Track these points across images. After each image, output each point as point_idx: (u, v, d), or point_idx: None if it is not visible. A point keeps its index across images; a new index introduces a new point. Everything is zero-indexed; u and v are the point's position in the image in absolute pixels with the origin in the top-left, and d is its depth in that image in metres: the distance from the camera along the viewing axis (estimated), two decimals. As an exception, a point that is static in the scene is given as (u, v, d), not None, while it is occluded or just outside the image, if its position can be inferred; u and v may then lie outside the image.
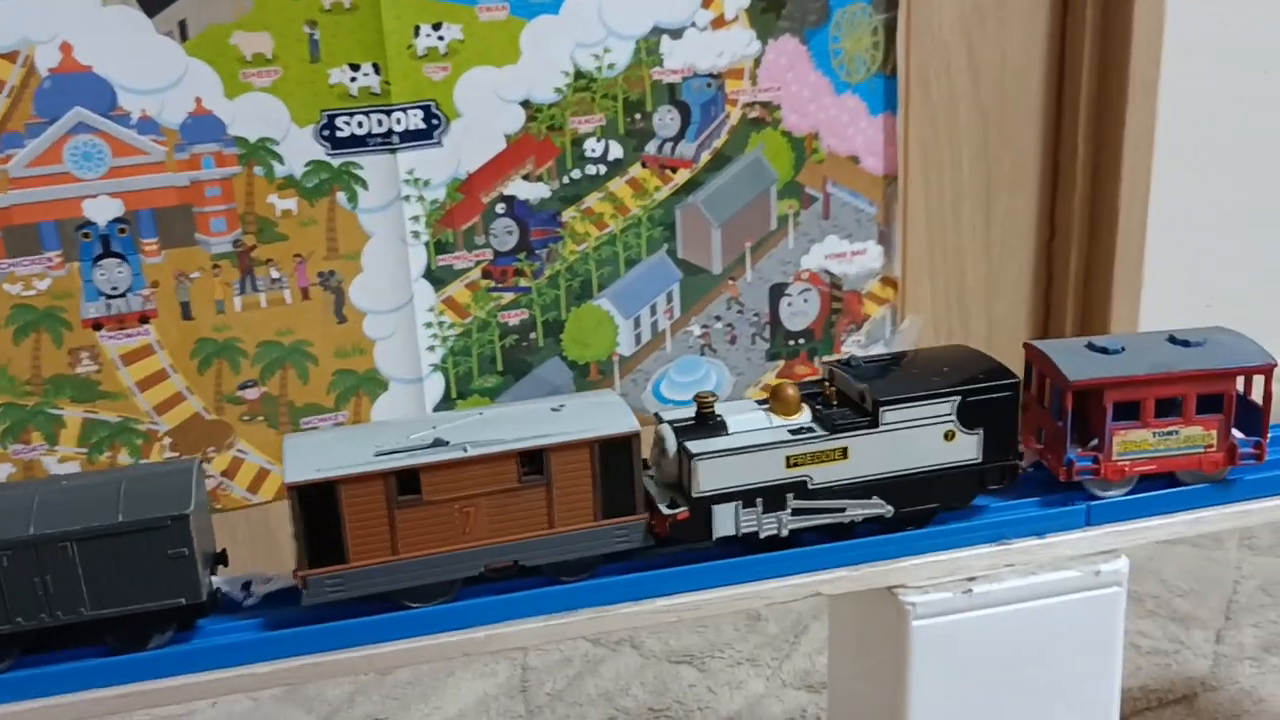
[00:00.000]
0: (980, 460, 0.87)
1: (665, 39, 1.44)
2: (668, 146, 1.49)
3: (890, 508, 0.86)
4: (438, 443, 0.78)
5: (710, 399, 0.85)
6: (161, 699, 0.78)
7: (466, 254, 1.43)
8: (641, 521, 0.82)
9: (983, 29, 1.62)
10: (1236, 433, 0.91)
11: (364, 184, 1.36)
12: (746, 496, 0.83)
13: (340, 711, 1.30)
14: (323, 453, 0.77)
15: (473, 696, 1.32)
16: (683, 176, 1.51)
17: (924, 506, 0.87)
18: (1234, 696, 1.26)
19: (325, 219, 1.36)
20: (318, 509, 0.76)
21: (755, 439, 0.83)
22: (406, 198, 1.38)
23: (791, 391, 0.86)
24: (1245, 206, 1.85)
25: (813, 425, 0.85)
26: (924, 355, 0.93)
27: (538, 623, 0.81)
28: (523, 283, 1.47)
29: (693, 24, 1.44)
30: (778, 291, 1.60)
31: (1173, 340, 0.92)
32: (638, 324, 1.55)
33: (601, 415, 0.81)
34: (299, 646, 0.79)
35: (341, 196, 1.36)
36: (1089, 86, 1.66)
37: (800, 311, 1.62)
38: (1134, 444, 0.89)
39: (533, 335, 1.49)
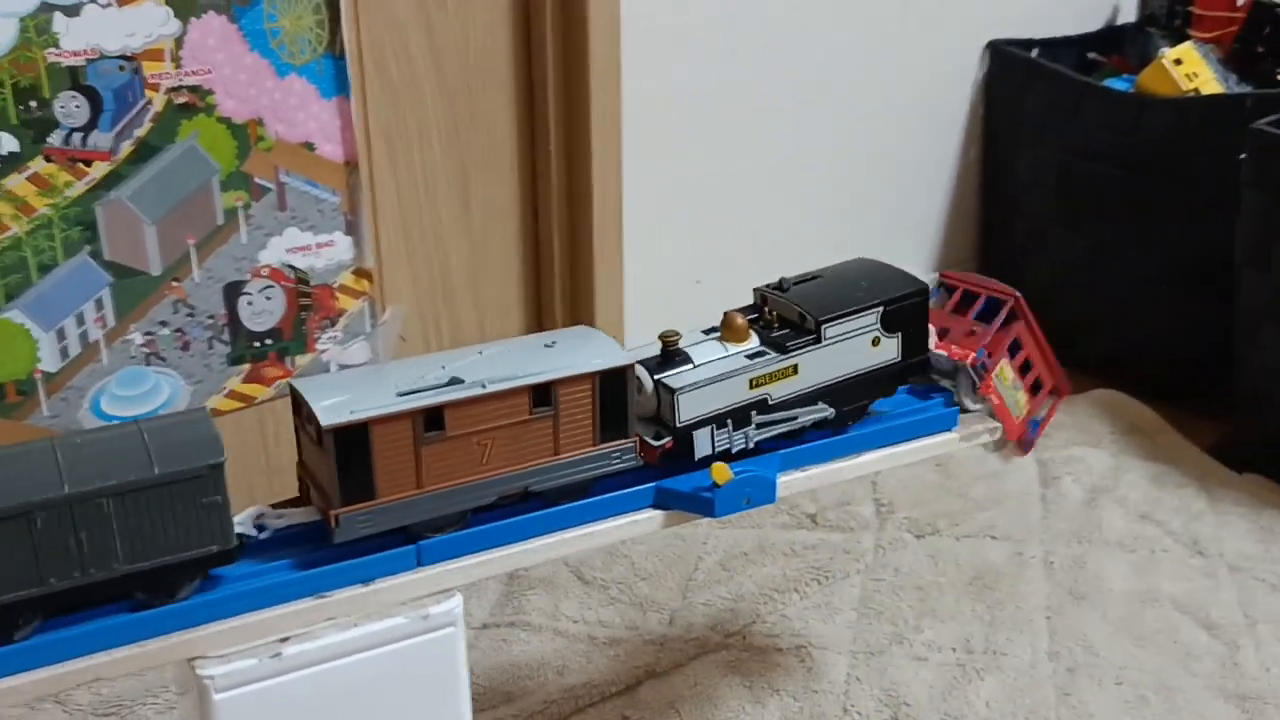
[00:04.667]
0: (899, 360, 1.00)
1: (58, 16, 1.27)
2: (77, 137, 1.33)
3: (832, 410, 0.97)
4: (454, 381, 0.82)
5: (675, 337, 0.93)
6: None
7: None
8: (633, 443, 0.89)
9: (443, 9, 1.56)
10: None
11: None
12: (719, 419, 0.92)
13: None
14: (346, 395, 0.80)
15: None
16: (100, 170, 1.35)
17: (858, 404, 0.99)
18: (674, 683, 1.28)
19: None
20: (351, 449, 0.79)
21: (722, 368, 0.92)
22: None
23: (740, 320, 0.95)
24: (720, 186, 1.91)
25: (764, 349, 0.94)
26: (837, 272, 1.02)
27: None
28: (-98, 298, 1.27)
29: (92, 0, 1.28)
30: (234, 290, 1.48)
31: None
32: (63, 336, 1.38)
33: (594, 349, 0.88)
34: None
35: None
36: (555, 69, 1.64)
37: (264, 310, 1.51)
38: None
39: (-76, 357, 1.29)
